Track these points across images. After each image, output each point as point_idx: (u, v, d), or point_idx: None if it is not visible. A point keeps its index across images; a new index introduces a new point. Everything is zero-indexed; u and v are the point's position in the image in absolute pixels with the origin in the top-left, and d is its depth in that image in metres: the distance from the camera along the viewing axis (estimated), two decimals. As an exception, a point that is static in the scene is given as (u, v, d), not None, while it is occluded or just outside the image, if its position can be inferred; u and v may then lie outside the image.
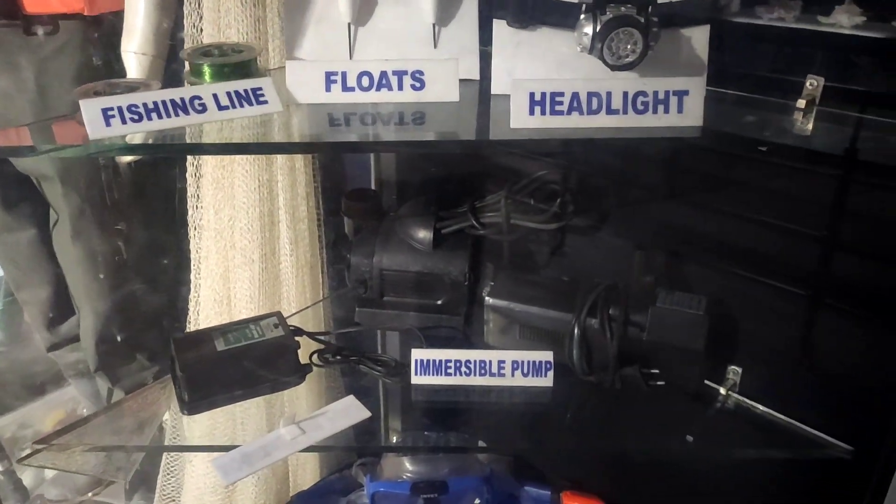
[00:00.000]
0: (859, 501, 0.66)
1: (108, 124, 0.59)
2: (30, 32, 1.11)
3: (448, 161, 0.94)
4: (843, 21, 0.68)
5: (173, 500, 1.30)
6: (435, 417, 0.82)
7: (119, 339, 1.36)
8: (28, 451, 0.70)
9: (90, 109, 0.58)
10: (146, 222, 1.27)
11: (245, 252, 1.05)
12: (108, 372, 1.42)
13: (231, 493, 1.23)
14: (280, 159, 1.03)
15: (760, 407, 0.75)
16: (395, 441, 1.00)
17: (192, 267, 1.11)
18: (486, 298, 0.82)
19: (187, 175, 1.05)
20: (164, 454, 1.22)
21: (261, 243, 1.06)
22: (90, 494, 1.61)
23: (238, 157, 1.02)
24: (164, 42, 0.99)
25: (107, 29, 1.09)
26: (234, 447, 0.70)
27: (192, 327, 1.10)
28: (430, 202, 0.84)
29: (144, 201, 1.25)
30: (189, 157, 1.05)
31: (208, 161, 1.04)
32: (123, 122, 0.59)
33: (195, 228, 1.09)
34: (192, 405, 0.74)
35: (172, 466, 1.24)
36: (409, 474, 0.95)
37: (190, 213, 1.09)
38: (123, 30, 0.97)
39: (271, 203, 1.05)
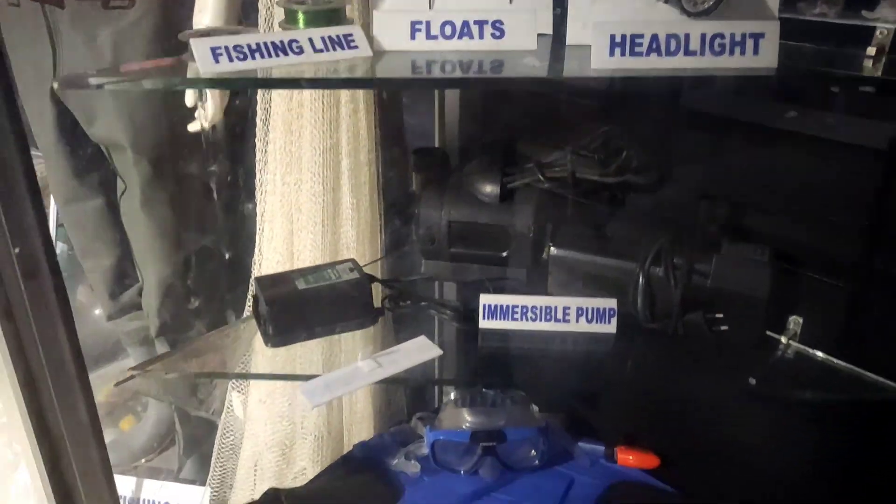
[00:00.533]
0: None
1: (216, 61, 0.63)
2: (107, 6, 1.17)
3: (509, 121, 0.97)
4: (890, 16, 0.68)
5: (229, 460, 1.35)
6: (501, 362, 0.85)
7: (181, 305, 1.41)
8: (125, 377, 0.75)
9: (200, 48, 0.63)
10: (213, 190, 1.32)
11: (310, 215, 1.10)
12: (169, 338, 1.47)
13: (288, 451, 1.28)
14: (345, 125, 1.08)
15: (820, 354, 0.77)
16: (452, 396, 1.03)
17: (256, 229, 1.16)
18: (551, 249, 0.85)
19: (256, 140, 1.11)
20: (225, 412, 1.27)
21: (324, 206, 1.10)
22: (143, 461, 1.67)
23: (305, 123, 1.07)
24: (235, 16, 1.04)
25: (180, 2, 1.15)
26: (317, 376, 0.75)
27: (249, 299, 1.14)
28: (497, 159, 0.88)
29: (212, 169, 1.30)
30: (259, 124, 1.10)
31: (276, 127, 1.09)
32: (230, 59, 0.64)
33: (262, 193, 1.14)
34: (276, 338, 0.78)
35: (231, 424, 1.29)
36: (467, 424, 0.98)
37: (258, 176, 1.14)
38: (195, 4, 1.02)
39: (336, 168, 1.09)
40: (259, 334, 0.85)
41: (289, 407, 1.25)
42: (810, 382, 0.76)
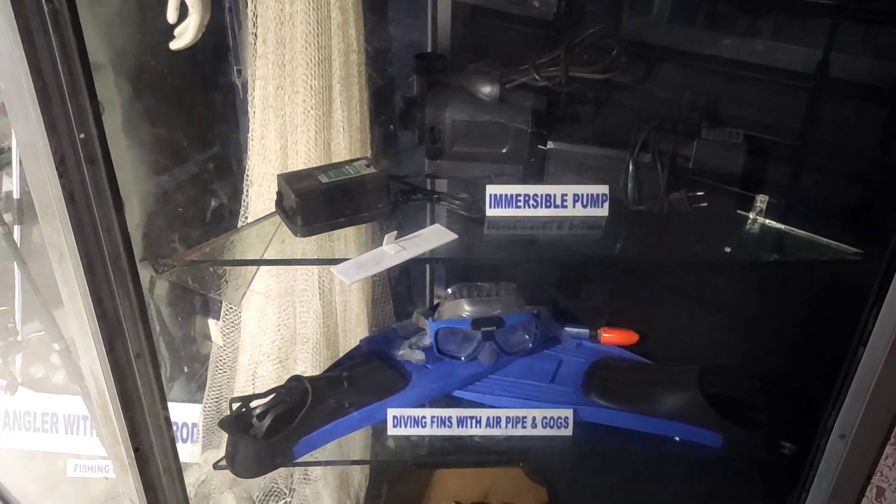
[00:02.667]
0: (868, 295, 0.80)
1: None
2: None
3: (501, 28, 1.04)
4: None
5: (226, 374, 1.41)
6: (506, 247, 0.93)
7: (167, 228, 1.42)
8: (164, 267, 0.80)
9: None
10: (199, 110, 1.33)
11: (303, 129, 1.14)
12: (153, 262, 1.49)
13: (285, 361, 1.35)
14: (336, 37, 1.11)
15: (783, 225, 0.89)
16: (449, 291, 1.12)
17: (249, 145, 1.20)
18: (549, 143, 0.93)
19: (248, 55, 1.13)
20: (222, 317, 1.32)
21: (317, 119, 1.14)
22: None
23: (298, 35, 1.10)
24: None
25: None
26: (343, 259, 0.82)
27: (246, 207, 1.19)
28: (495, 61, 0.95)
29: (197, 89, 1.31)
30: (250, 39, 1.13)
31: (268, 41, 1.11)
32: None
33: (253, 109, 1.17)
34: (305, 228, 0.84)
35: (230, 333, 1.35)
36: (467, 313, 1.08)
37: (250, 92, 1.17)
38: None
39: (328, 80, 1.13)
40: (278, 231, 0.91)
41: (286, 316, 1.31)
42: (775, 247, 0.88)
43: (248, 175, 1.20)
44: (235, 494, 1.38)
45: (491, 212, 0.91)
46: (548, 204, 0.91)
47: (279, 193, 0.89)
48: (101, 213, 0.68)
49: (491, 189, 0.90)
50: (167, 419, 0.82)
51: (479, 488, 1.36)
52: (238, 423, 0.91)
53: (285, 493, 1.38)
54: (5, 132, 1.51)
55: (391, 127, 1.17)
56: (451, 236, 0.87)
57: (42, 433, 1.52)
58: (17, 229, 1.43)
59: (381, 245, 0.84)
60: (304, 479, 1.36)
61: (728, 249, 0.87)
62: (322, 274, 1.26)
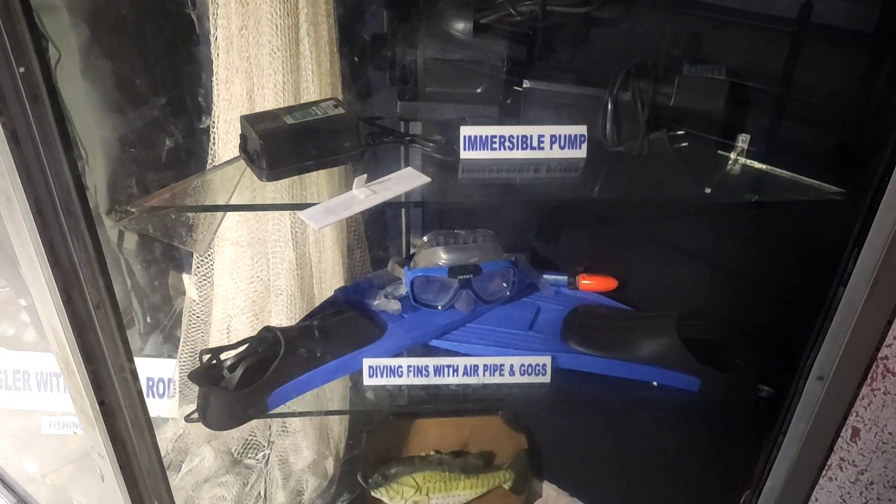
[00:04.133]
0: (848, 237, 0.79)
1: None
2: None
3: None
4: None
5: (200, 328, 1.38)
6: (481, 190, 0.90)
7: (129, 176, 1.37)
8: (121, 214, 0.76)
9: None
10: (160, 52, 1.27)
11: (270, 72, 1.08)
12: (119, 215, 1.44)
13: (259, 314, 1.32)
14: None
15: (765, 166, 0.87)
16: (424, 239, 1.09)
17: (213, 90, 1.14)
18: (525, 81, 0.90)
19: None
20: (193, 270, 1.28)
21: (283, 61, 1.09)
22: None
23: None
24: None
25: None
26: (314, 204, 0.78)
27: (214, 155, 1.14)
28: (468, -4, 0.90)
29: (157, 29, 1.25)
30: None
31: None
32: None
33: (217, 50, 1.11)
34: (270, 172, 0.80)
35: (203, 286, 1.31)
36: (443, 261, 1.05)
37: (212, 32, 1.11)
38: None
39: (295, 19, 1.08)
40: (244, 176, 0.87)
41: (259, 268, 1.28)
42: (756, 187, 0.86)
43: (214, 121, 1.15)
44: (213, 448, 1.37)
45: (465, 154, 0.88)
46: (524, 146, 0.88)
47: (243, 136, 0.84)
48: (48, 155, 0.64)
49: (465, 130, 0.87)
50: (133, 372, 0.79)
51: (458, 437, 1.36)
52: (208, 375, 0.89)
53: (264, 446, 1.37)
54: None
55: (363, 69, 1.12)
56: (423, 179, 0.83)
57: (14, 391, 1.49)
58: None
59: (352, 189, 0.81)
60: (283, 431, 1.35)
61: (708, 190, 0.84)
62: (295, 224, 1.23)
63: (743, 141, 0.87)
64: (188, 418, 0.92)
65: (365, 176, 0.80)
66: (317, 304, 1.32)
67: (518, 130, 0.87)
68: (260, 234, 1.24)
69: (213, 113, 1.15)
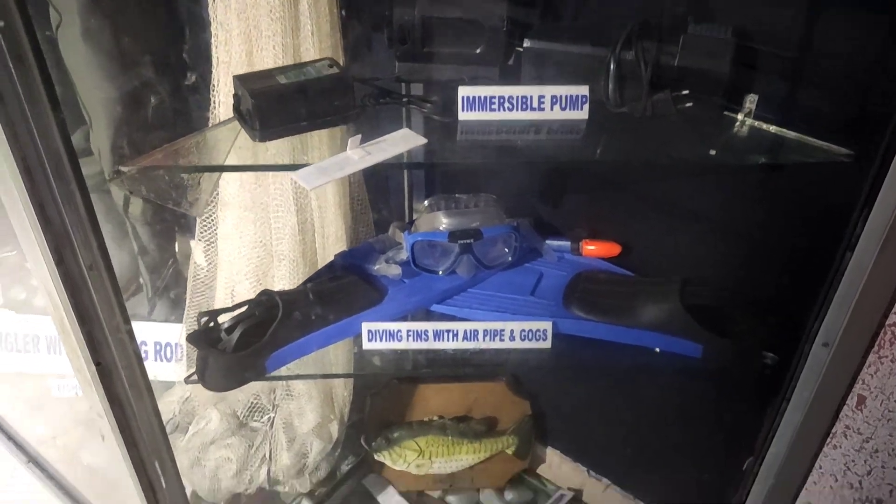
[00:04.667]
0: (856, 202, 0.77)
1: None
2: None
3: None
4: None
5: (205, 294, 1.38)
6: (480, 152, 0.89)
7: (136, 143, 1.37)
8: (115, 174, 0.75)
9: None
10: (160, 15, 1.25)
11: (269, 34, 1.06)
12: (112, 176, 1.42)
13: (262, 279, 1.32)
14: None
15: (773, 128, 0.84)
16: (425, 203, 1.08)
17: (212, 54, 1.12)
18: (525, 41, 0.87)
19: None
20: (197, 236, 1.28)
21: (284, 21, 1.07)
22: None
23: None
24: None
25: None
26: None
27: (214, 116, 1.13)
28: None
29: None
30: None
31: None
32: None
33: (215, 11, 1.09)
34: (263, 132, 0.79)
35: (208, 252, 1.31)
36: (444, 226, 1.04)
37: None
38: None
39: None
40: (239, 137, 0.86)
41: (262, 233, 1.27)
42: (763, 149, 0.83)
43: (214, 84, 1.14)
44: (220, 410, 1.38)
45: (464, 115, 0.86)
46: (524, 107, 0.86)
47: (236, 96, 0.83)
48: (34, 114, 0.63)
49: (463, 91, 0.85)
50: (129, 333, 0.79)
51: (462, 403, 1.36)
52: (206, 337, 0.89)
53: (269, 409, 1.38)
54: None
55: (363, 30, 1.10)
56: (419, 141, 0.82)
57: (24, 354, 1.51)
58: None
59: (346, 150, 0.80)
60: (288, 395, 1.36)
61: (713, 152, 0.82)
62: (297, 189, 1.22)
63: (750, 102, 0.85)
64: (188, 380, 0.92)
65: (359, 137, 0.79)
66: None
67: (518, 91, 0.85)
68: (262, 199, 1.23)
69: (213, 76, 1.14)
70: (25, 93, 0.62)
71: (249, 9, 1.06)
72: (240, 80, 0.81)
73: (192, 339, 0.88)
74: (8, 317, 1.51)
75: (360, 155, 0.79)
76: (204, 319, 0.90)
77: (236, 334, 0.88)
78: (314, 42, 1.08)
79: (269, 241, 1.28)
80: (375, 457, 1.31)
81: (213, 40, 1.11)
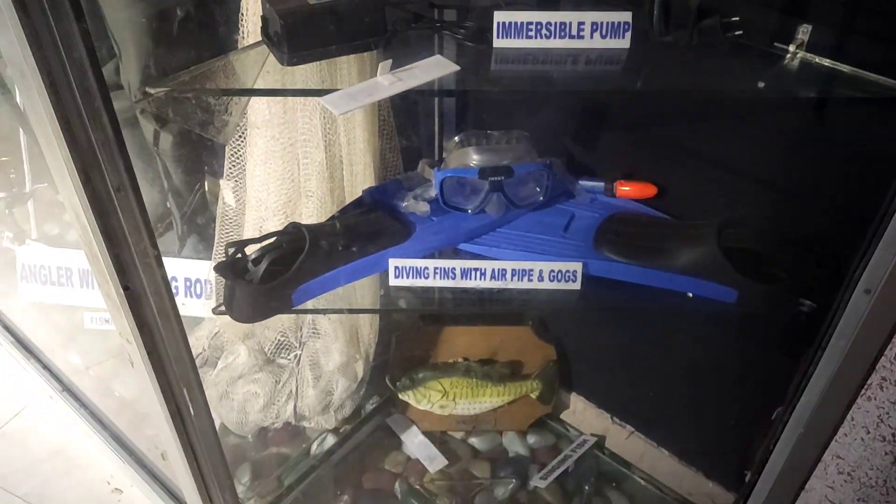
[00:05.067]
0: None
1: None
2: None
3: None
4: None
5: (234, 232, 1.38)
6: (515, 82, 0.85)
7: (162, 67, 1.34)
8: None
9: None
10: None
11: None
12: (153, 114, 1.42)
13: (291, 216, 1.31)
14: None
15: (827, 60, 0.80)
16: (456, 140, 1.05)
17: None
18: (565, -35, 0.83)
19: None
20: (226, 173, 1.27)
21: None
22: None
23: None
24: None
25: None
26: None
27: (244, 36, 1.09)
28: None
29: None
30: None
31: None
32: None
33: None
34: (292, 56, 0.77)
35: (236, 190, 1.31)
36: (474, 162, 1.01)
37: None
38: None
39: None
40: (267, 61, 0.84)
41: (290, 169, 1.26)
42: (814, 84, 0.79)
43: (244, 10, 1.11)
44: (248, 347, 1.40)
45: (498, 42, 0.82)
46: (562, 34, 0.82)
47: (264, 18, 0.81)
48: (58, 25, 0.61)
49: (499, 16, 0.81)
50: (157, 258, 0.79)
51: (487, 345, 1.36)
52: (233, 268, 0.89)
53: (296, 347, 1.39)
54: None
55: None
56: (452, 68, 0.79)
57: (58, 286, 1.54)
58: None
59: (376, 76, 0.77)
60: (314, 333, 1.37)
61: (762, 84, 0.78)
62: (326, 124, 1.20)
63: (803, 32, 0.80)
64: (215, 310, 0.92)
65: (390, 62, 0.76)
66: (347, 206, 1.31)
67: (556, 17, 0.81)
68: (290, 135, 1.21)
69: (241, 7, 1.11)
70: (49, 4, 0.60)
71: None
72: (268, 0, 0.78)
73: (220, 269, 0.88)
74: (42, 250, 1.54)
75: (391, 81, 0.76)
76: (231, 250, 0.89)
77: (263, 265, 0.87)
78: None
79: (297, 178, 1.27)
80: (400, 396, 1.32)
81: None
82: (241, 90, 0.84)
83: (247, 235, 1.37)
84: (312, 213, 1.27)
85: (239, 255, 0.90)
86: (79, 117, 0.66)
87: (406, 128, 1.28)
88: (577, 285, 0.95)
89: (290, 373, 1.38)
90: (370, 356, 1.42)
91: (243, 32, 1.08)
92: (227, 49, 1.15)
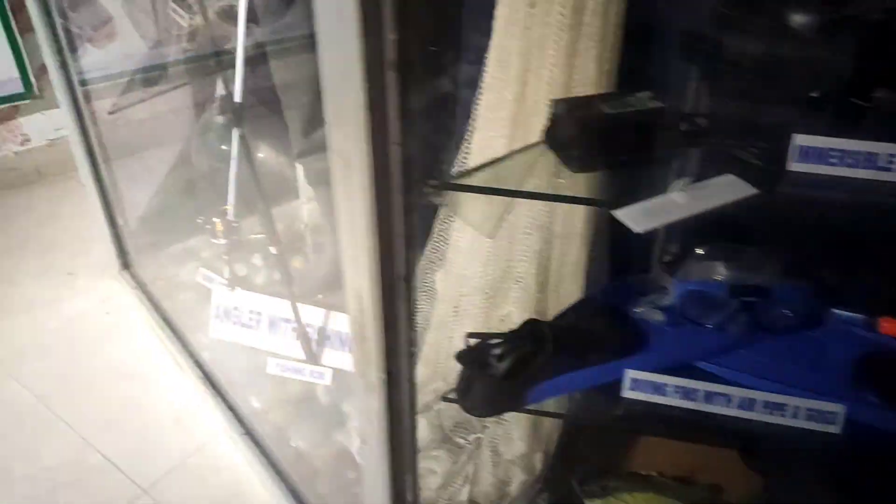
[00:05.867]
0: None
1: None
2: None
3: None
4: None
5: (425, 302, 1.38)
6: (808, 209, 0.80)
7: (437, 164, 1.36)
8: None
9: None
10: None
11: (553, 48, 1.02)
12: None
13: (493, 297, 1.30)
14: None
15: None
16: (699, 251, 1.00)
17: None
18: (874, 91, 0.77)
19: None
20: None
21: (567, 41, 1.02)
22: (320, 296, 1.74)
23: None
24: None
25: None
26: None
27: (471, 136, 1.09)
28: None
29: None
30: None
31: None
32: None
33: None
34: (581, 163, 0.76)
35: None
36: (721, 277, 0.96)
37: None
38: None
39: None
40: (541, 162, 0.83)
41: (500, 251, 1.26)
42: None
43: (477, 102, 1.13)
44: (427, 420, 1.38)
45: (795, 166, 0.77)
46: (868, 164, 0.76)
47: (552, 119, 0.80)
48: (393, 123, 0.63)
49: (800, 140, 0.76)
50: (415, 348, 0.79)
51: (685, 462, 1.27)
52: (475, 359, 0.87)
53: (476, 429, 1.36)
54: (227, 35, 1.54)
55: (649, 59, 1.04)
56: (748, 191, 0.75)
57: (247, 328, 1.60)
58: (234, 133, 1.44)
59: (667, 192, 0.74)
60: (498, 418, 1.33)
61: None
62: (547, 214, 1.19)
63: None
64: (445, 397, 0.91)
65: (687, 180, 0.73)
66: (551, 298, 1.28)
67: (864, 146, 0.76)
68: (508, 219, 1.21)
69: (477, 93, 1.13)
70: (393, 104, 0.62)
71: (537, 26, 1.03)
72: (559, 104, 0.78)
73: (462, 358, 0.87)
74: (239, 293, 1.61)
75: (685, 199, 0.73)
76: (473, 341, 0.88)
77: (508, 362, 0.85)
78: (594, 64, 1.02)
79: (505, 260, 1.26)
80: (586, 503, 1.25)
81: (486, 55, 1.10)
82: (523, 192, 0.83)
83: (441, 307, 1.37)
84: (518, 298, 1.26)
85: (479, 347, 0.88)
86: (388, 210, 0.67)
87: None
88: (836, 428, 0.86)
89: (469, 455, 1.34)
90: (550, 449, 1.36)
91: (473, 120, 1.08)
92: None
